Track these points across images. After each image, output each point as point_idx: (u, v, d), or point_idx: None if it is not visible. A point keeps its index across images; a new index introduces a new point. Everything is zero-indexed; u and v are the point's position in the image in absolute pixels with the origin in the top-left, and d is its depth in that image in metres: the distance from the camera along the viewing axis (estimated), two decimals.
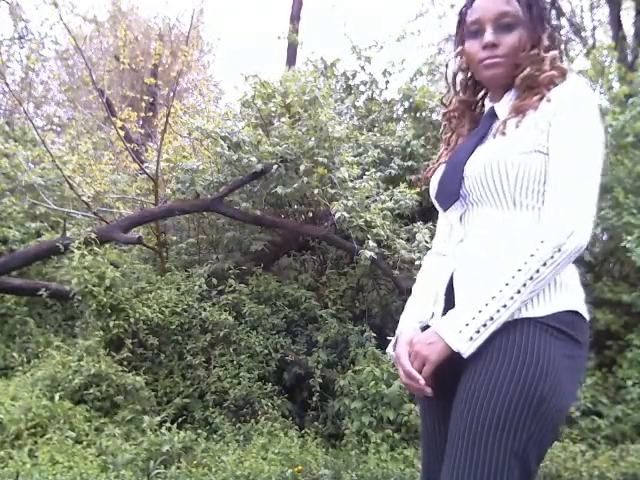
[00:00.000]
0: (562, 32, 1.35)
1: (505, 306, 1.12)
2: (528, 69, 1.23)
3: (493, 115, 1.31)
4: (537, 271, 1.11)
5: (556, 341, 1.13)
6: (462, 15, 1.33)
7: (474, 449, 1.10)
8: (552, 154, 1.17)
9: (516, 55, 1.24)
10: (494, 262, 1.17)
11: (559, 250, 1.11)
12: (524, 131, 1.20)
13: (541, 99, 1.21)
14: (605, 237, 5.08)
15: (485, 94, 1.40)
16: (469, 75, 1.38)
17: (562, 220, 1.12)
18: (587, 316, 1.21)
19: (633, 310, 4.69)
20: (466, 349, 1.13)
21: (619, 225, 4.61)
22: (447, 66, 1.44)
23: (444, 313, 1.25)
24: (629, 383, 4.35)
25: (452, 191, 1.29)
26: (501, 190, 1.21)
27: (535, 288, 1.13)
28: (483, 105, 1.40)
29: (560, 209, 1.14)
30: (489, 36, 1.24)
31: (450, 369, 1.17)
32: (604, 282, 4.93)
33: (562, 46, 1.31)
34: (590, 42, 9.69)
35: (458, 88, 1.41)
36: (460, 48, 1.33)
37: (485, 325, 1.12)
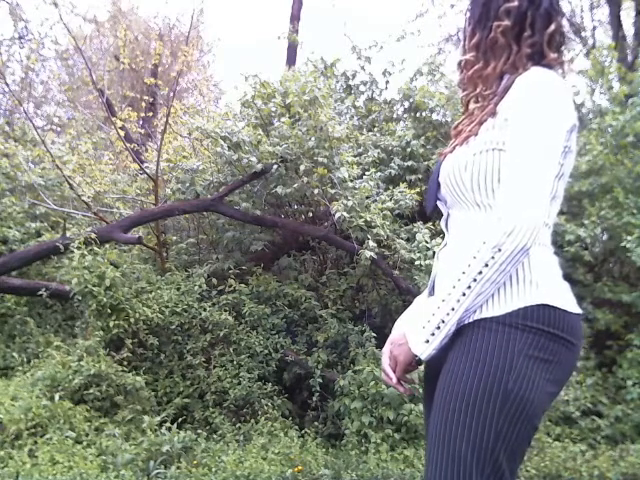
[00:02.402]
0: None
1: (453, 309, 1.13)
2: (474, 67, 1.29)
3: None
4: (479, 272, 1.11)
5: (522, 335, 1.11)
6: None
7: (444, 448, 1.11)
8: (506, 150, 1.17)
9: (466, 61, 1.31)
10: (459, 264, 1.17)
11: (499, 250, 1.09)
12: (484, 132, 1.21)
13: (498, 101, 1.22)
14: (605, 237, 5.07)
15: None
16: None
17: (501, 219, 1.10)
18: (570, 307, 1.17)
19: (633, 310, 4.69)
20: (422, 352, 1.16)
21: (619, 225, 4.61)
22: None
23: None
24: (629, 383, 4.35)
25: (431, 196, 1.34)
26: (461, 193, 1.23)
27: (483, 289, 1.11)
28: None
29: (501, 207, 1.11)
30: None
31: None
32: (604, 282, 4.93)
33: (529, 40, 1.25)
34: (590, 42, 9.69)
35: None
36: None
37: (439, 328, 1.14)
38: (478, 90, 1.30)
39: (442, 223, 1.35)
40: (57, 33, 10.76)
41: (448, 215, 1.32)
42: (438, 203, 1.35)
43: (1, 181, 6.05)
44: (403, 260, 4.53)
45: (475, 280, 1.11)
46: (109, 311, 4.27)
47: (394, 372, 1.25)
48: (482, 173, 1.18)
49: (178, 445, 3.55)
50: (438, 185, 1.31)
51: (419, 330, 1.16)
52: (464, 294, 1.12)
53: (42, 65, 11.01)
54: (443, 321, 1.13)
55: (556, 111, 1.14)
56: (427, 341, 1.15)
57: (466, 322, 1.15)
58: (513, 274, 1.14)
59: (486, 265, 1.10)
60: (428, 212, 1.39)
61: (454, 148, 1.30)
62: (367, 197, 4.76)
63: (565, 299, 1.17)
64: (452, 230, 1.29)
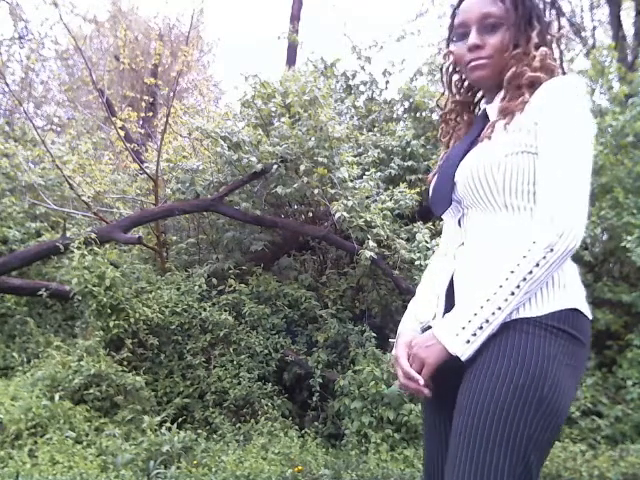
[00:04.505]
0: (561, 27, 1.33)
1: (500, 308, 1.12)
2: (513, 69, 1.23)
3: (485, 117, 1.32)
4: (530, 272, 1.11)
5: (556, 340, 1.13)
6: (452, 17, 1.34)
7: (475, 450, 1.10)
8: (541, 153, 1.16)
9: (501, 55, 1.24)
10: (491, 265, 1.17)
11: (551, 250, 1.10)
12: (511, 133, 1.20)
13: (525, 100, 1.21)
14: (605, 237, 5.07)
15: (483, 95, 1.40)
16: (463, 76, 1.38)
17: (553, 220, 1.11)
18: (589, 314, 1.20)
19: (633, 310, 4.68)
20: (463, 352, 1.14)
21: (619, 225, 4.60)
22: (441, 69, 1.44)
23: (444, 314, 1.26)
24: (629, 383, 4.34)
25: (444, 197, 1.30)
26: (490, 194, 1.21)
27: (530, 289, 1.12)
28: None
29: (551, 209, 1.12)
30: (473, 38, 1.24)
31: (451, 369, 1.18)
32: (604, 282, 4.92)
33: (555, 43, 1.30)
34: (590, 42, 9.69)
35: (453, 89, 1.42)
36: (447, 50, 1.35)
37: (481, 327, 1.13)
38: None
39: (453, 222, 1.32)
40: (57, 33, 10.74)
41: (463, 215, 1.29)
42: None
43: (1, 181, 6.05)
44: (403, 260, 4.53)
45: (525, 279, 1.11)
46: (109, 311, 4.27)
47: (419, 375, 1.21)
48: (514, 175, 1.18)
49: (178, 445, 3.55)
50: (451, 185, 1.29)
51: (458, 330, 1.14)
52: (513, 293, 1.11)
53: (42, 65, 11.02)
54: (487, 320, 1.12)
55: (588, 117, 1.18)
56: (468, 341, 1.13)
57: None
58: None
59: (537, 265, 1.11)
60: (439, 213, 1.34)
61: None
62: (367, 197, 4.76)
63: (586, 305, 1.21)
64: (471, 230, 1.27)
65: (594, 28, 10.24)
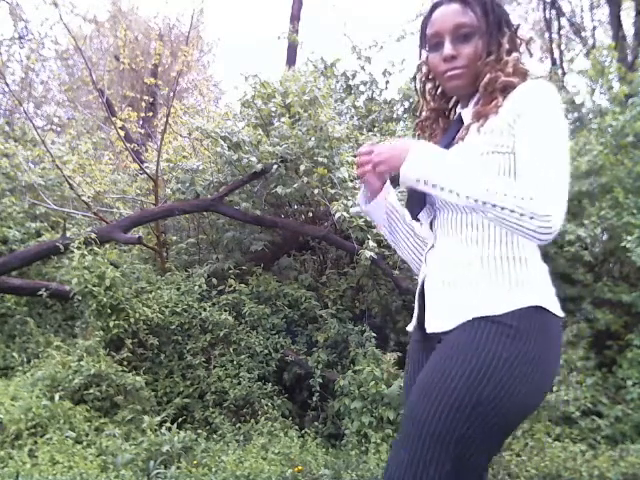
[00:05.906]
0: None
1: (449, 190, 1.13)
2: (488, 75, 1.25)
3: (460, 121, 1.34)
4: (492, 204, 1.09)
5: (512, 342, 1.13)
6: (423, 27, 1.36)
7: (411, 442, 1.12)
8: (519, 152, 1.17)
9: (475, 64, 1.27)
10: (459, 265, 1.19)
11: (523, 215, 1.08)
12: (482, 135, 1.23)
13: (499, 104, 1.23)
14: (605, 237, 5.06)
15: (457, 101, 1.43)
16: (437, 84, 1.41)
17: (545, 205, 1.09)
18: (558, 311, 1.20)
19: (633, 310, 4.68)
20: (403, 174, 1.18)
21: (619, 225, 4.60)
22: (415, 77, 1.46)
23: (418, 319, 1.31)
24: (629, 383, 4.34)
25: (419, 198, 1.32)
26: None
27: (475, 207, 1.12)
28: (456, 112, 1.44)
29: (541, 198, 1.11)
30: (447, 49, 1.26)
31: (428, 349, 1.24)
32: (604, 282, 4.92)
33: (525, 45, 1.33)
34: (590, 42, 9.69)
35: (427, 97, 1.44)
36: (421, 60, 1.38)
37: (425, 182, 1.15)
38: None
39: (426, 225, 1.36)
40: (57, 33, 10.75)
41: (434, 217, 1.32)
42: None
43: (1, 181, 6.05)
44: (403, 260, 4.52)
45: (479, 201, 1.10)
46: (109, 311, 4.27)
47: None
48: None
49: (178, 445, 3.55)
50: None
51: (416, 164, 1.16)
52: (465, 195, 1.11)
53: (42, 65, 11.03)
54: (434, 185, 1.14)
55: (562, 114, 1.20)
56: (418, 181, 1.16)
57: (462, 320, 1.17)
58: (511, 274, 1.17)
59: (502, 208, 1.09)
60: (414, 215, 1.37)
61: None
62: None
63: (554, 302, 1.21)
64: (442, 231, 1.29)
65: (594, 28, 10.24)
